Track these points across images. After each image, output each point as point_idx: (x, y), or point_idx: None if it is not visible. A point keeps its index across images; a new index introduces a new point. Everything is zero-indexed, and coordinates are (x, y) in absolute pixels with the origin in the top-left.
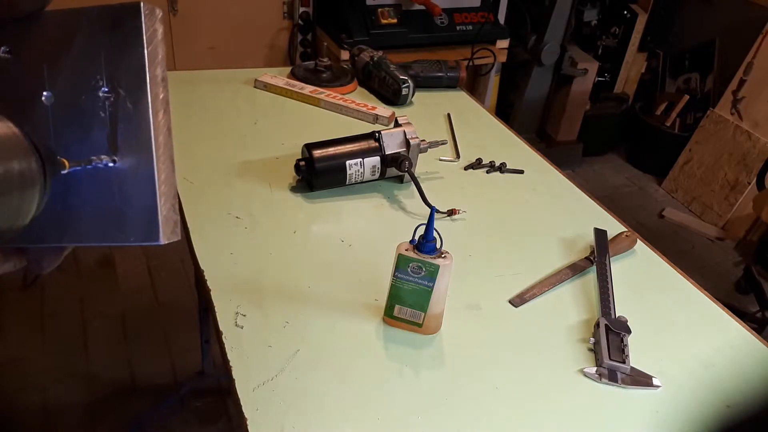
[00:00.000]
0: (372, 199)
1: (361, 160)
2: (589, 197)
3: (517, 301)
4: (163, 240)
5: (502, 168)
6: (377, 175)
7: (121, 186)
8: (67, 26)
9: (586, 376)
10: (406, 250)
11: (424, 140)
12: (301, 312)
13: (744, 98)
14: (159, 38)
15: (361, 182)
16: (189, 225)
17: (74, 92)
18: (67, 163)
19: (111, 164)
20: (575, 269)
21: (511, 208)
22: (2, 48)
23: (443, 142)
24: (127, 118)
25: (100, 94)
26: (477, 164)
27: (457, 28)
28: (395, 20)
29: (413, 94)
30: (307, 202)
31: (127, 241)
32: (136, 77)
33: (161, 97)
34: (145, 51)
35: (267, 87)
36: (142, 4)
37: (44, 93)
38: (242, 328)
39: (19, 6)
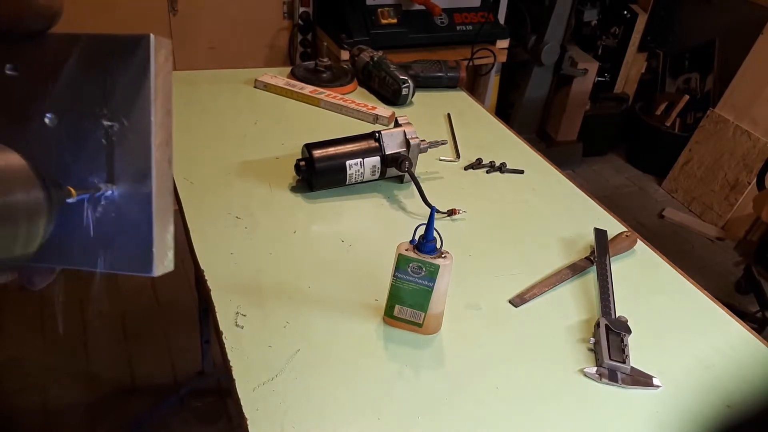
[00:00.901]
0: (372, 199)
1: (361, 160)
2: (589, 197)
3: (517, 301)
4: (156, 273)
5: (502, 168)
6: (377, 175)
7: (117, 215)
8: (74, 50)
9: (586, 376)
10: (406, 250)
11: (424, 140)
12: (301, 312)
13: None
14: (166, 71)
15: (361, 182)
16: (189, 225)
17: (77, 117)
18: (74, 192)
19: (107, 193)
20: (575, 269)
21: (511, 208)
22: (8, 65)
23: (443, 142)
24: (128, 148)
25: (103, 122)
26: (477, 164)
27: (457, 28)
28: (395, 20)
29: (413, 94)
30: (307, 202)
31: (119, 270)
32: (140, 108)
33: (165, 129)
34: (152, 83)
35: (267, 87)
36: (152, 36)
37: (47, 114)
38: (242, 328)
39: (25, 22)
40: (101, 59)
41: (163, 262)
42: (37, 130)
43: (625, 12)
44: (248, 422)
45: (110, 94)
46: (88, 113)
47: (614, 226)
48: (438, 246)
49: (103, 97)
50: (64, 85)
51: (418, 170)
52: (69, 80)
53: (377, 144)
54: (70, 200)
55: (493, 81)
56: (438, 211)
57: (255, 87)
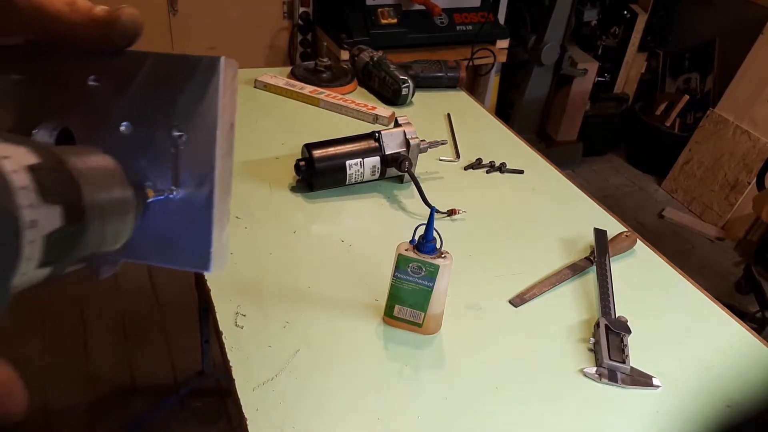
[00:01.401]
0: (372, 199)
1: (361, 160)
2: (589, 197)
3: (517, 301)
4: (212, 270)
5: (502, 168)
6: (377, 175)
7: (181, 217)
8: (152, 66)
9: (586, 376)
10: (406, 250)
11: (424, 140)
12: (301, 312)
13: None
14: (233, 89)
15: (361, 182)
16: None
17: (149, 126)
18: (151, 193)
19: (173, 196)
20: (575, 269)
21: (511, 208)
22: (91, 77)
23: (443, 142)
24: (194, 157)
25: (173, 133)
26: (477, 164)
27: (457, 28)
28: (395, 20)
29: (413, 94)
30: (307, 202)
31: (179, 266)
32: (208, 122)
33: (228, 141)
34: (220, 101)
35: (267, 87)
36: (222, 58)
37: (123, 123)
38: (242, 328)
39: (114, 42)
40: (175, 76)
41: (219, 261)
42: (113, 137)
43: (625, 12)
44: (248, 422)
45: (181, 107)
46: (160, 123)
47: (614, 226)
48: (438, 246)
49: (174, 110)
50: (139, 97)
51: (418, 170)
52: (143, 93)
53: (377, 144)
54: (148, 200)
55: (493, 81)
56: (438, 211)
57: (255, 87)
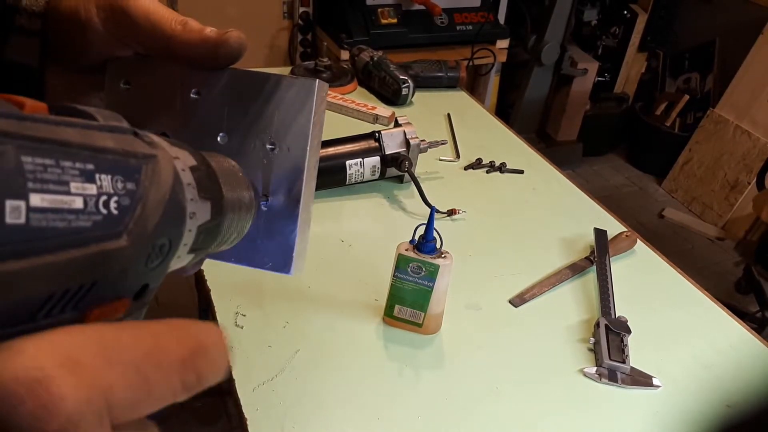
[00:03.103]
0: (372, 199)
1: (361, 160)
2: (589, 197)
3: (517, 301)
4: (293, 273)
5: (502, 168)
6: (377, 175)
7: (266, 222)
8: (250, 83)
9: (586, 376)
10: (406, 250)
11: (424, 140)
12: (301, 312)
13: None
14: (323, 108)
15: (361, 182)
16: None
17: (244, 139)
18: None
19: (263, 203)
20: (575, 269)
21: (511, 208)
22: (193, 90)
23: (443, 142)
24: (284, 169)
25: (267, 146)
26: (477, 164)
27: (457, 28)
28: (395, 20)
29: (413, 94)
30: None
31: (261, 267)
32: (300, 139)
33: (316, 155)
34: (311, 119)
35: None
36: (317, 82)
37: (220, 134)
38: (242, 328)
39: (220, 60)
40: (271, 94)
41: (299, 265)
42: (211, 146)
43: (625, 12)
44: (248, 422)
45: (275, 123)
46: (254, 136)
47: (614, 226)
48: (438, 246)
49: (269, 125)
50: (236, 111)
51: (418, 170)
52: (241, 108)
53: (377, 144)
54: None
55: (493, 81)
56: (438, 211)
57: None
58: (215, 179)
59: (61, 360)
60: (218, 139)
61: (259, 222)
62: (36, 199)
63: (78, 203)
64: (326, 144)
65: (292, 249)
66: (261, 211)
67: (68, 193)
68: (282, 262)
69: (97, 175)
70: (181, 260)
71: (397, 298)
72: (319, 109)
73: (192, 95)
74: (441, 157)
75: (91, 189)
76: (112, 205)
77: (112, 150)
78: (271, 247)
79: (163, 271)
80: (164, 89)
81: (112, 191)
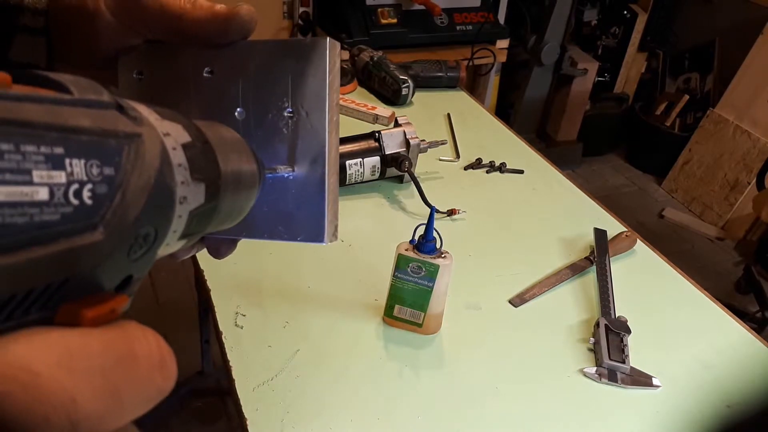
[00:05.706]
0: (372, 199)
1: (360, 160)
2: (589, 197)
3: (517, 301)
4: (326, 241)
5: (502, 168)
6: (377, 175)
7: (295, 193)
8: (261, 53)
9: (586, 376)
10: (406, 250)
11: (424, 140)
12: (301, 312)
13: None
14: (337, 68)
15: (361, 182)
16: None
17: (262, 110)
18: (272, 169)
19: (287, 174)
20: (575, 269)
21: (511, 208)
22: (206, 68)
23: (443, 142)
24: (306, 135)
25: (285, 114)
26: (477, 164)
27: (457, 28)
28: (395, 20)
29: (413, 94)
30: None
31: (294, 240)
32: (317, 101)
33: (335, 119)
34: (327, 79)
35: None
36: (328, 39)
37: (237, 109)
38: (242, 328)
39: (231, 35)
40: (283, 60)
41: (332, 233)
42: (228, 123)
43: (625, 12)
44: (248, 422)
45: (291, 89)
46: (272, 107)
47: (614, 226)
48: (438, 246)
49: (285, 93)
50: (250, 84)
51: (418, 170)
52: (255, 79)
53: (377, 144)
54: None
55: (493, 81)
56: (438, 211)
57: None
58: (212, 156)
59: (14, 372)
60: (236, 114)
61: (287, 194)
62: None
63: (42, 194)
64: None
65: (323, 216)
66: (288, 183)
67: (30, 183)
68: (314, 232)
69: (67, 160)
70: (170, 247)
71: (397, 298)
72: (333, 68)
73: (205, 74)
74: (441, 157)
75: (59, 177)
76: (86, 194)
77: (87, 129)
78: (302, 217)
79: (149, 261)
80: (177, 73)
81: (85, 178)
